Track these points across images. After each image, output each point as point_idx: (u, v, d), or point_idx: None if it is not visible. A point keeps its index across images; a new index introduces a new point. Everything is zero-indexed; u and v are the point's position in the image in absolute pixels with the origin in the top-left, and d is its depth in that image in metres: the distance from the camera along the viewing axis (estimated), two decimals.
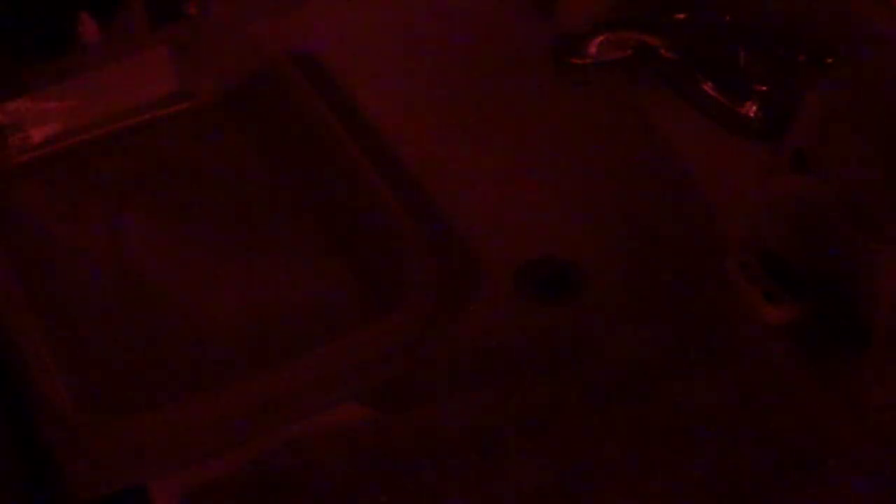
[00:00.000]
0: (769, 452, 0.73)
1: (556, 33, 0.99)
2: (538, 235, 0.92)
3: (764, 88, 0.93)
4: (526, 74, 0.99)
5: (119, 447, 0.73)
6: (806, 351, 0.78)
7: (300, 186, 0.90)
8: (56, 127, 0.91)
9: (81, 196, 0.90)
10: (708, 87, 0.94)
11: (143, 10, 0.97)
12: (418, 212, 0.85)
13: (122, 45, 0.95)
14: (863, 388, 0.76)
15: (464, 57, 1.01)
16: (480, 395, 0.76)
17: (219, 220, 0.89)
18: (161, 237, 0.88)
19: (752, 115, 0.93)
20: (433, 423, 0.75)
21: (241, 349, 0.81)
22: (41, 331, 0.77)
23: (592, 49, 0.97)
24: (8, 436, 0.76)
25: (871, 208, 0.80)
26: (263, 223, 0.89)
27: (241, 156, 0.93)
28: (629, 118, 0.95)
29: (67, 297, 0.83)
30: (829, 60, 0.92)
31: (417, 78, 0.99)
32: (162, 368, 0.80)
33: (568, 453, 0.73)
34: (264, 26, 0.97)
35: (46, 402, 0.73)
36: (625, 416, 0.75)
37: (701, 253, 0.86)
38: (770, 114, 0.92)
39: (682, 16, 0.97)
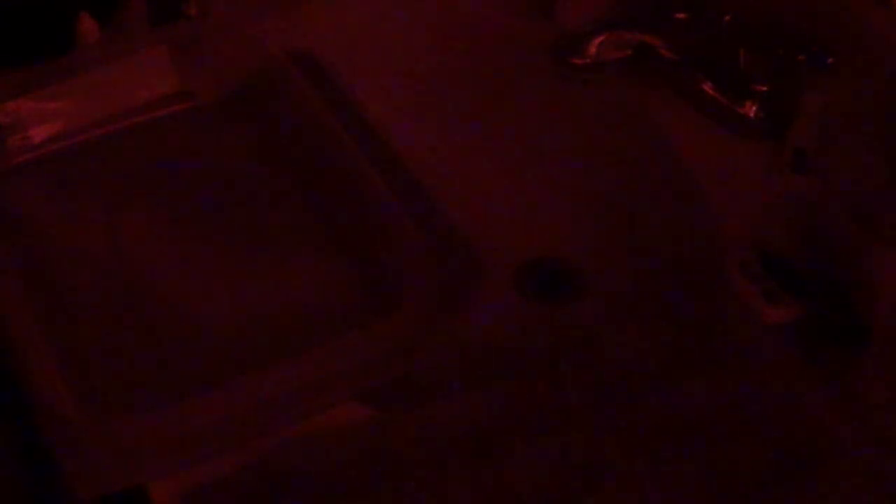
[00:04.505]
0: (769, 452, 0.73)
1: (556, 33, 0.99)
2: (538, 235, 0.92)
3: (764, 88, 0.93)
4: (526, 74, 0.99)
5: (119, 447, 0.73)
6: (806, 351, 0.78)
7: (300, 186, 0.90)
8: (56, 127, 0.91)
9: (81, 196, 0.90)
10: (708, 87, 0.94)
11: (143, 10, 0.97)
12: (418, 212, 0.85)
13: (122, 45, 0.94)
14: (863, 388, 0.76)
15: (464, 57, 1.01)
16: (480, 395, 0.76)
17: (219, 220, 0.89)
18: (161, 237, 0.88)
19: (752, 115, 0.93)
20: (433, 423, 0.75)
21: (242, 349, 0.81)
22: (41, 331, 0.77)
23: (592, 49, 0.97)
24: (8, 436, 0.76)
25: (871, 208, 0.80)
26: (263, 223, 0.89)
27: (242, 156, 0.93)
28: (629, 118, 0.96)
29: (67, 297, 0.83)
30: (829, 60, 0.92)
31: (417, 78, 0.99)
32: (162, 368, 0.80)
33: (568, 453, 0.73)
34: (264, 26, 0.97)
35: (46, 403, 0.73)
36: (625, 416, 0.75)
37: (701, 252, 0.86)
38: (770, 114, 0.92)
39: (682, 16, 0.97)
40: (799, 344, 0.78)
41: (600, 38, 0.97)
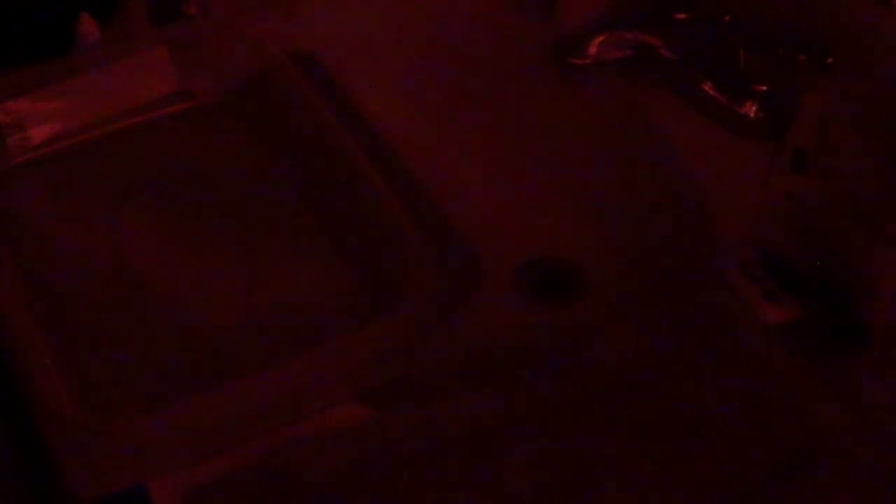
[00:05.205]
0: (769, 452, 0.73)
1: (556, 33, 0.99)
2: (538, 235, 0.92)
3: (764, 88, 0.93)
4: (526, 74, 0.99)
5: (119, 447, 0.73)
6: (806, 351, 0.78)
7: (300, 186, 0.90)
8: (56, 127, 0.91)
9: (81, 196, 0.90)
10: (708, 87, 0.94)
11: (143, 10, 0.98)
12: (418, 212, 0.85)
13: (122, 45, 0.95)
14: (863, 388, 0.76)
15: (464, 57, 1.01)
16: (480, 395, 0.76)
17: (219, 220, 0.89)
18: (161, 237, 0.88)
19: (752, 115, 0.93)
20: (433, 423, 0.75)
21: (242, 349, 0.81)
22: (41, 331, 0.77)
23: (592, 49, 0.97)
24: (8, 436, 0.76)
25: (871, 208, 0.80)
26: (263, 223, 0.89)
27: (241, 156, 0.93)
28: (629, 118, 0.95)
29: (67, 297, 0.83)
30: (829, 60, 0.92)
31: (417, 78, 0.99)
32: (162, 368, 0.80)
33: (568, 453, 0.73)
34: (264, 26, 0.97)
35: (46, 403, 0.73)
36: (624, 416, 0.75)
37: (700, 253, 0.86)
38: (770, 114, 0.92)
39: (682, 16, 0.97)
40: (799, 344, 0.78)
41: (600, 38, 0.97)
